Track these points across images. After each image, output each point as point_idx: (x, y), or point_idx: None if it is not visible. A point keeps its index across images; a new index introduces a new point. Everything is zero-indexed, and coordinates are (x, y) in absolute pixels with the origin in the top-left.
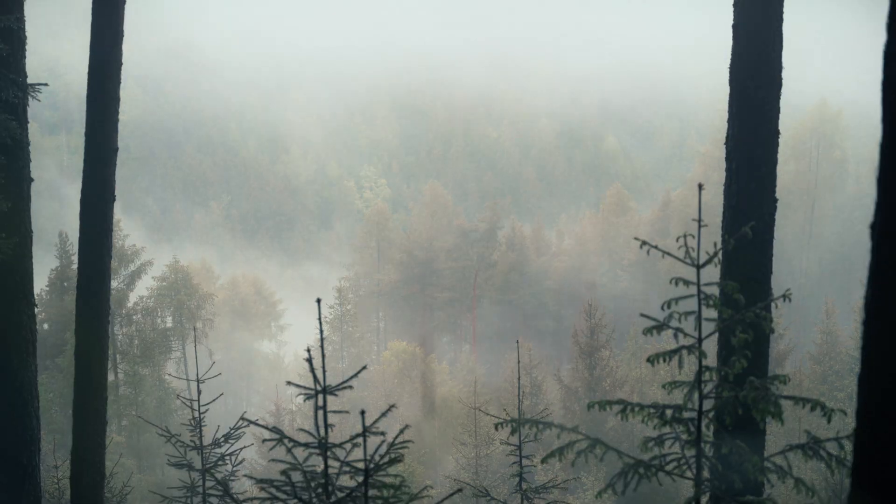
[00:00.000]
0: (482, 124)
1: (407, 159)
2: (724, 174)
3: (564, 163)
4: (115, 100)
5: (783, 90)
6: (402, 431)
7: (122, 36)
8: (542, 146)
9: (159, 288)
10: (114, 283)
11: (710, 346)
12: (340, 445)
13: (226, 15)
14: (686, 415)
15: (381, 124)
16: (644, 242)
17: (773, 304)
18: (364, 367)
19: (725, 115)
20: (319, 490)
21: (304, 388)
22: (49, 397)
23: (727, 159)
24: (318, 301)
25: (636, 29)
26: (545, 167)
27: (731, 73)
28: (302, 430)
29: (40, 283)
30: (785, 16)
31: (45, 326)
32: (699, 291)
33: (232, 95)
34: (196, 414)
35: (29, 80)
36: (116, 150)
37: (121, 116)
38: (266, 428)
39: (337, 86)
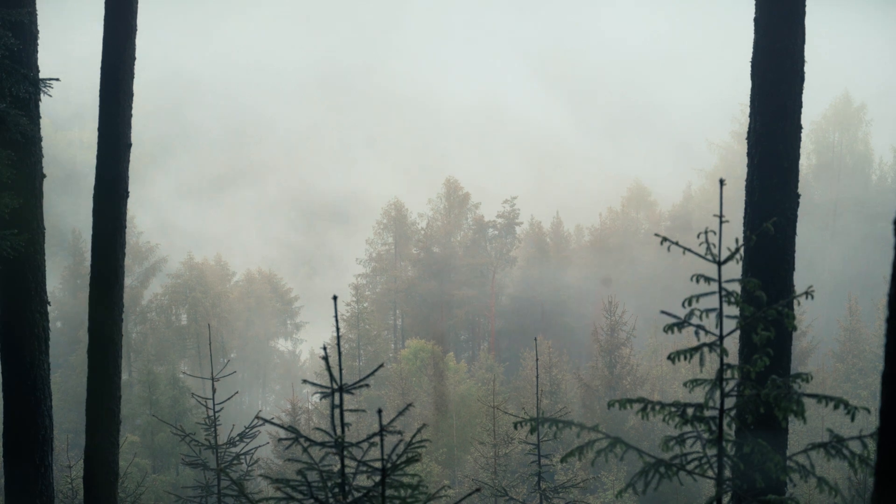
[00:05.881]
0: (496, 120)
1: (421, 155)
2: (745, 169)
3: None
4: (129, 95)
5: (805, 83)
6: (419, 430)
7: (136, 30)
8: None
9: (174, 285)
10: (128, 281)
11: (732, 344)
12: (357, 445)
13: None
14: (707, 413)
15: (395, 122)
16: (664, 238)
17: (795, 301)
18: (381, 366)
19: (747, 109)
20: (336, 490)
21: (321, 386)
22: (62, 396)
23: (749, 154)
24: (335, 298)
25: (650, 20)
26: (561, 162)
27: (752, 66)
28: (318, 429)
29: (53, 281)
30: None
31: (59, 324)
32: (720, 288)
33: (246, 95)
34: (211, 413)
35: (41, 75)
36: (130, 145)
37: (134, 111)
38: (282, 427)
39: (347, 85)
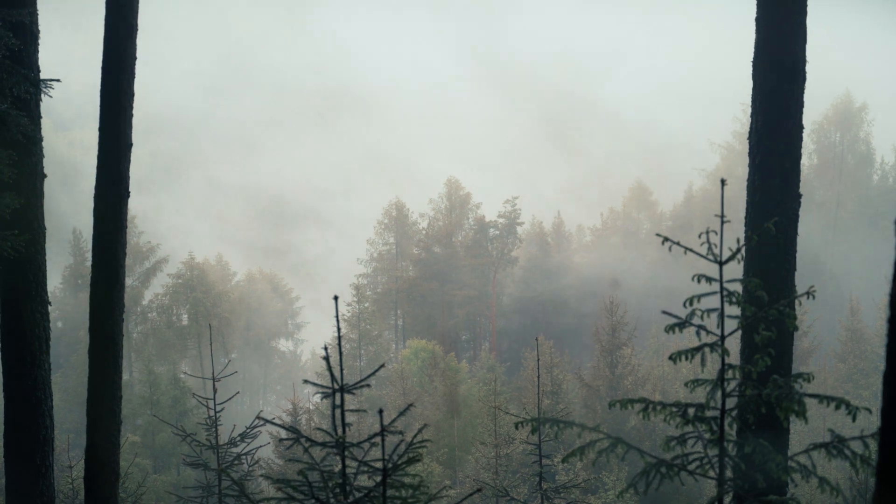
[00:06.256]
0: (499, 118)
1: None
2: (747, 169)
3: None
4: (130, 95)
5: (806, 83)
6: (420, 431)
7: (136, 30)
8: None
9: (175, 285)
10: (129, 281)
11: (733, 344)
12: (358, 445)
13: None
14: (709, 413)
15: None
16: (666, 238)
17: (796, 301)
18: (382, 366)
19: (749, 109)
20: (337, 490)
21: (322, 386)
22: (63, 396)
23: (750, 154)
24: (336, 298)
25: (653, 19)
26: (565, 159)
27: (753, 66)
28: (319, 429)
29: (54, 281)
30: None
31: (59, 324)
32: (722, 288)
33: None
34: (212, 413)
35: (42, 75)
36: (131, 145)
37: (135, 111)
38: (283, 427)
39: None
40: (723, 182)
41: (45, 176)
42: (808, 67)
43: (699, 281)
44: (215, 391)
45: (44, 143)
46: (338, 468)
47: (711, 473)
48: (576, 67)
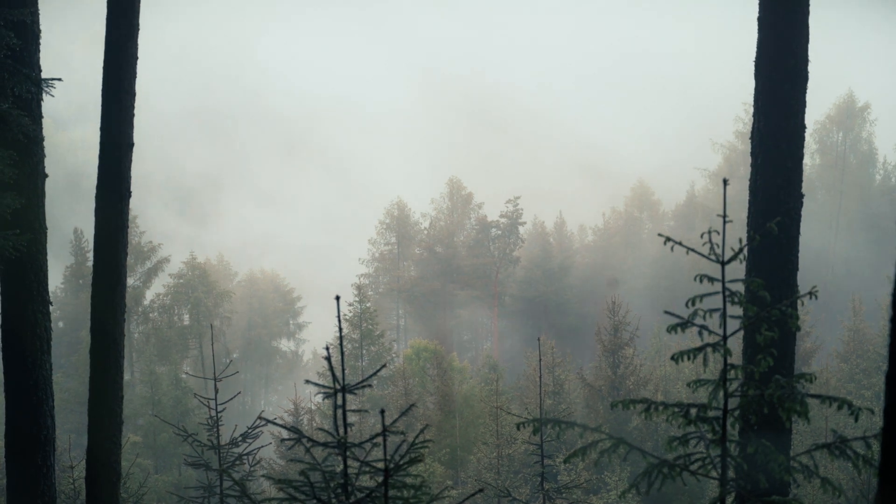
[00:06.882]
0: (502, 117)
1: (429, 152)
2: (749, 169)
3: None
4: (131, 94)
5: (809, 83)
6: (422, 431)
7: (138, 29)
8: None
9: (176, 285)
10: (130, 281)
11: (736, 344)
12: (360, 445)
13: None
14: (711, 414)
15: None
16: (668, 238)
17: (799, 301)
18: (384, 366)
19: (751, 108)
20: (339, 490)
21: (323, 386)
22: (64, 396)
23: (752, 154)
24: (338, 298)
25: (653, 20)
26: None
27: (756, 66)
28: (321, 429)
29: (55, 281)
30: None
31: (60, 324)
32: (724, 288)
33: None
34: (213, 413)
35: (43, 75)
36: (132, 145)
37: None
38: (284, 427)
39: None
40: (725, 182)
41: (46, 175)
42: (810, 67)
43: (701, 281)
44: (217, 391)
45: (45, 143)
46: (339, 468)
47: (714, 474)
48: (575, 68)
